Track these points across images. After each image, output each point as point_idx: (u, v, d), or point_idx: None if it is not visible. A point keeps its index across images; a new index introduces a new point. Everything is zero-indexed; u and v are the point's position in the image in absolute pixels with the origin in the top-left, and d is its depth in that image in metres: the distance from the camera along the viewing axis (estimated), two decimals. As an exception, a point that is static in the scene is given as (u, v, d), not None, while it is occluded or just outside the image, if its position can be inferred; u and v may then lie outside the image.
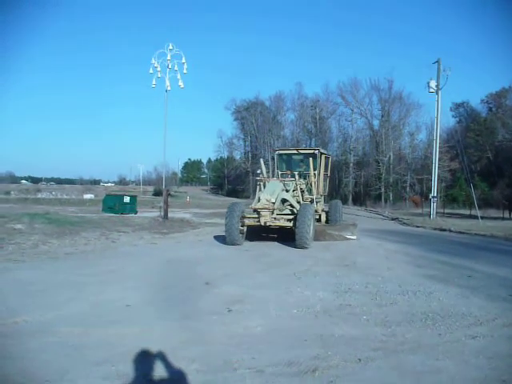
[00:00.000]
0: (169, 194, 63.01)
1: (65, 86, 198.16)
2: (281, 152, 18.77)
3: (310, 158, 16.63)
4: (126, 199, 30.89)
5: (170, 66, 23.87)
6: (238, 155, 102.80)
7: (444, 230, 22.36)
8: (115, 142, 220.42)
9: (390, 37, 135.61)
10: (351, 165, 75.25)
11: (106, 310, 6.42)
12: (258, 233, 15.37)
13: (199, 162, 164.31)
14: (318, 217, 17.16)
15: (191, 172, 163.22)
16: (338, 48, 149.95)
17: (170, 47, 23.60)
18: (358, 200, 72.21)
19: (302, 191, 16.25)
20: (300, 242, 13.37)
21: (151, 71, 23.83)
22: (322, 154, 17.58)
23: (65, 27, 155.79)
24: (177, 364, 4.40)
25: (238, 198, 72.44)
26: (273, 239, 15.33)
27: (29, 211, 23.65)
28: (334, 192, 74.31)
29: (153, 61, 23.68)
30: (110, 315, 6.12)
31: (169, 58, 23.64)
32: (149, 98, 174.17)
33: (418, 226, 25.49)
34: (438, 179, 35.14)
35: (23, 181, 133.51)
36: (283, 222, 14.28)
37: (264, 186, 15.17)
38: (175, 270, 10.01)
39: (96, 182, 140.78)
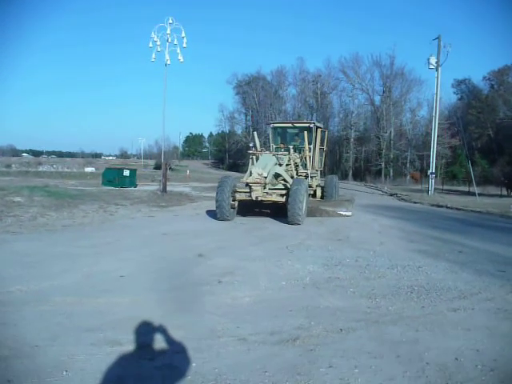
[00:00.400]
0: (170, 168, 62.95)
1: (66, 61, 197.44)
2: (275, 125, 18.27)
3: (305, 132, 16.21)
4: (126, 173, 31.03)
5: (169, 40, 23.85)
6: (239, 129, 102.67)
7: (441, 206, 22.48)
8: (117, 115, 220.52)
9: (392, 14, 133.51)
10: (352, 140, 75.32)
11: (99, 280, 6.58)
12: (251, 208, 15.11)
13: (201, 136, 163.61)
14: (312, 192, 16.94)
15: (193, 146, 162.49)
16: (340, 25, 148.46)
17: (170, 21, 23.52)
18: (359, 175, 72.41)
19: (297, 166, 15.95)
20: (292, 218, 13.16)
21: (151, 45, 23.81)
22: (317, 127, 17.14)
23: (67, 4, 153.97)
24: (163, 331, 4.55)
25: (238, 172, 72.38)
26: (266, 214, 15.25)
27: (29, 184, 23.87)
28: (335, 167, 74.63)
29: (152, 35, 23.64)
30: (103, 285, 6.28)
31: (168, 31, 23.60)
32: (151, 72, 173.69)
33: (415, 202, 25.63)
34: (438, 156, 35.13)
35: (24, 154, 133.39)
36: (275, 197, 13.99)
37: (257, 160, 14.85)
38: (170, 242, 10.16)
39: (97, 156, 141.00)
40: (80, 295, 5.76)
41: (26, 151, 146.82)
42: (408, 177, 63.90)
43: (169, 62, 23.85)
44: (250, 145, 16.18)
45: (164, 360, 3.97)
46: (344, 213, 15.43)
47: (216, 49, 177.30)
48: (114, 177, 30.30)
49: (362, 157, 76.33)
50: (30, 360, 3.87)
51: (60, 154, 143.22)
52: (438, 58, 30.76)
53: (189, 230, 12.06)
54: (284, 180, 14.88)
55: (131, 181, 30.90)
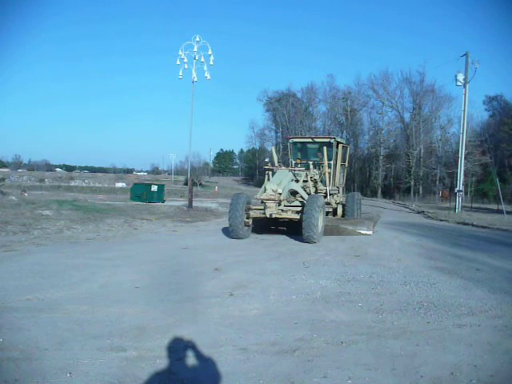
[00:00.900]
0: (200, 184, 63.25)
1: (102, 72, 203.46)
2: (295, 140, 17.68)
3: (325, 147, 15.39)
4: (154, 188, 31.46)
5: (197, 58, 24.35)
6: (269, 146, 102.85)
7: (467, 223, 22.12)
8: (149, 131, 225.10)
9: (422, 31, 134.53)
10: (381, 157, 74.59)
11: (114, 290, 6.81)
12: (266, 225, 14.72)
13: (231, 153, 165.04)
14: (331, 209, 16.11)
15: (223, 162, 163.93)
16: (369, 43, 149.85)
17: (197, 39, 24.07)
18: (388, 193, 71.71)
19: (316, 182, 15.31)
20: (307, 236, 12.60)
21: (178, 62, 24.39)
22: (338, 143, 16.39)
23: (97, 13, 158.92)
24: (167, 340, 4.73)
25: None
26: (282, 232, 14.84)
27: (59, 198, 24.46)
28: (364, 184, 74.21)
29: (180, 52, 24.21)
30: (117, 295, 6.50)
31: (195, 49, 24.10)
32: (183, 87, 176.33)
33: (441, 220, 25.27)
34: (468, 173, 34.57)
35: (58, 169, 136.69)
36: (290, 214, 13.43)
37: (273, 176, 14.29)
38: (189, 256, 10.35)
39: (129, 171, 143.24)
40: (94, 304, 5.99)
41: (59, 166, 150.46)
42: (438, 194, 62.98)
43: (195, 80, 24.39)
44: (266, 160, 15.94)
45: (164, 366, 4.14)
46: (364, 231, 14.77)
47: (247, 66, 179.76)
48: (142, 192, 30.78)
49: (392, 174, 75.59)
50: (37, 362, 4.11)
51: (92, 169, 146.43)
52: (465, 75, 30.46)
53: (209, 245, 12.24)
54: (301, 197, 14.33)
55: (159, 196, 31.33)
